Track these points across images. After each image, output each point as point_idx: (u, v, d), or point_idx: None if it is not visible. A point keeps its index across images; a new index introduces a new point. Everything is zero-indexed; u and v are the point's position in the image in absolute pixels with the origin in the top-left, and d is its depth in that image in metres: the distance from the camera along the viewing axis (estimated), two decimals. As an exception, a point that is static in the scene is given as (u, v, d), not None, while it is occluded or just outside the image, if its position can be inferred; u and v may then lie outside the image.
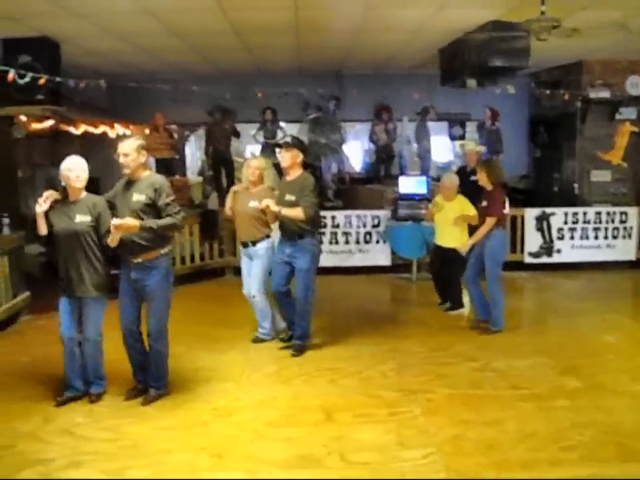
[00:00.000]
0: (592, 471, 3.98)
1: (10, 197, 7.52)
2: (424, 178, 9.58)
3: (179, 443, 4.44)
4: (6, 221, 7.20)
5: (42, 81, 6.24)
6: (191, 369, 5.82)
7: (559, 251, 9.70)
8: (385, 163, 12.03)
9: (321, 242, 6.42)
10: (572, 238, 9.70)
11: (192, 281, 9.18)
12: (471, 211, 7.17)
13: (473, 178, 8.97)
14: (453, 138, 12.55)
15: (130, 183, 4.95)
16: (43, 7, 5.67)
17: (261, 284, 6.41)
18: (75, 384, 5.06)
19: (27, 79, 6.01)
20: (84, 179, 4.88)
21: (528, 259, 9.71)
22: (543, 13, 5.60)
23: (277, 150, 6.62)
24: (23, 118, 7.45)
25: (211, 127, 11.72)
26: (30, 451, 4.32)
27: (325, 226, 9.59)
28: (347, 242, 9.61)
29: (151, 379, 5.14)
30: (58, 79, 6.62)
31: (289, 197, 5.96)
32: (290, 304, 6.32)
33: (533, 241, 9.70)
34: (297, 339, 6.25)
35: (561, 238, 9.69)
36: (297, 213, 5.86)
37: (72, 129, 8.68)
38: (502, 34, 6.51)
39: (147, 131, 11.39)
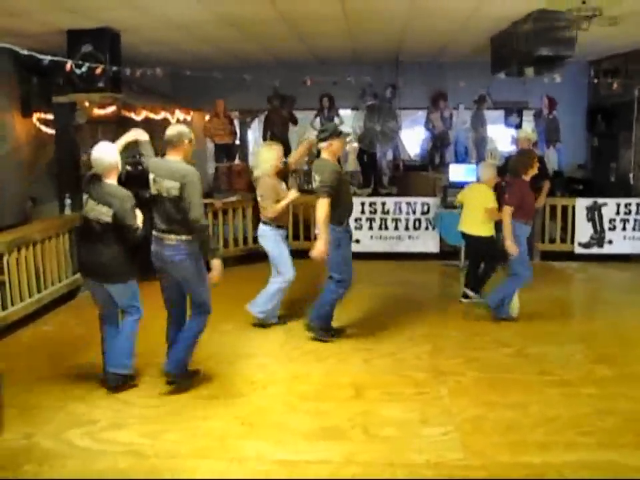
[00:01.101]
0: (607, 456, 4.09)
1: (73, 179, 7.94)
2: (473, 166, 9.64)
3: (214, 411, 4.77)
4: (68, 201, 7.66)
5: (99, 70, 6.66)
6: (236, 345, 6.15)
7: (610, 242, 9.59)
8: (440, 150, 12.08)
9: (346, 231, 6.23)
10: (624, 229, 9.56)
11: (244, 263, 9.51)
12: (490, 202, 7.20)
13: None
14: (509, 126, 12.49)
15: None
16: (101, 1, 6.02)
17: None
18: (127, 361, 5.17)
19: (83, 69, 6.42)
20: (106, 168, 4.85)
21: (578, 250, 9.65)
22: (584, 2, 5.60)
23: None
24: (86, 104, 7.87)
25: (269, 113, 12.00)
26: (79, 412, 4.71)
27: (374, 212, 9.77)
28: (396, 228, 9.75)
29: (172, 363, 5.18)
30: (114, 68, 6.98)
31: (315, 178, 6.05)
32: None
33: (583, 231, 9.63)
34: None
35: (613, 229, 9.58)
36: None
37: (133, 115, 9.09)
38: (547, 23, 6.51)
39: (207, 117, 11.76)
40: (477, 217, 7.31)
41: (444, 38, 8.96)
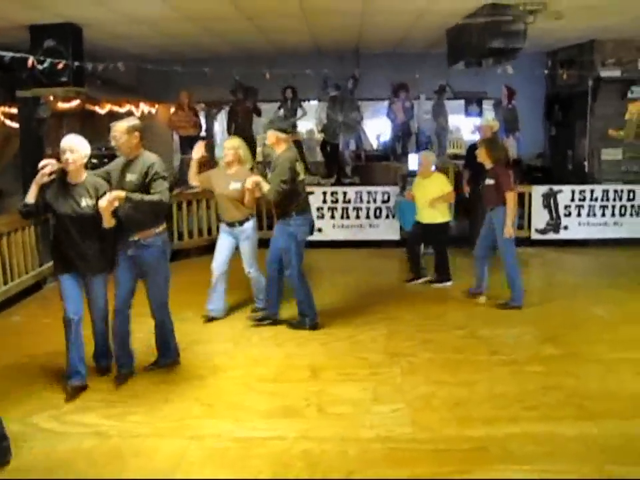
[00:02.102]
0: (547, 428, 4.33)
1: (36, 172, 7.99)
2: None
3: (175, 394, 4.95)
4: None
5: (60, 66, 6.76)
6: (197, 331, 6.32)
7: (566, 228, 9.93)
8: (402, 140, 12.28)
9: (305, 221, 6.30)
10: (579, 215, 9.91)
11: (209, 253, 9.60)
12: (447, 188, 7.53)
13: None
14: (469, 116, 12.75)
15: (126, 163, 5.04)
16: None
17: (254, 261, 6.62)
18: (82, 370, 5.03)
19: (45, 65, 6.52)
20: (78, 159, 4.80)
21: (535, 235, 9.95)
22: (533, -4, 5.82)
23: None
24: (50, 98, 7.94)
25: (233, 105, 12.10)
26: (44, 397, 4.86)
27: (336, 201, 9.98)
28: (357, 217, 9.98)
29: (161, 350, 5.43)
30: (77, 63, 7.08)
31: (270, 174, 6.13)
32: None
33: (540, 217, 9.93)
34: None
35: (568, 215, 9.91)
36: (267, 191, 5.97)
37: (97, 108, 9.18)
38: (497, 16, 6.75)
39: (172, 109, 11.83)
40: (433, 205, 7.59)
41: (400, 32, 9.18)
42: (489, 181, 6.92)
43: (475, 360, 5.56)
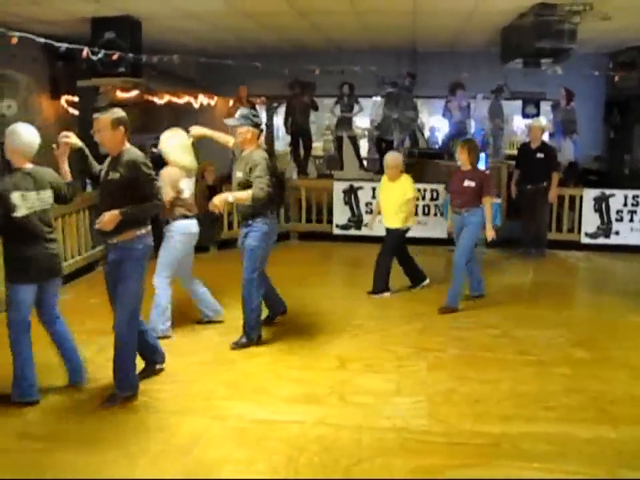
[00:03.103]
0: (563, 429, 4.35)
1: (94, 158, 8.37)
2: (482, 154, 9.85)
3: (204, 375, 5.19)
4: (88, 180, 8.11)
5: (115, 57, 7.09)
6: (233, 317, 6.49)
7: (617, 233, 9.75)
8: (457, 139, 12.24)
9: (277, 221, 6.14)
10: (631, 220, 9.71)
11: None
12: (410, 193, 7.25)
13: (539, 155, 9.26)
14: (526, 117, 12.63)
15: (110, 160, 4.72)
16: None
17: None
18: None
19: (100, 55, 6.84)
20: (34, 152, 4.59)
21: (585, 239, 9.83)
22: (578, -4, 5.80)
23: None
24: (108, 88, 8.30)
25: (290, 100, 12.32)
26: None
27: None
28: (410, 213, 10.00)
29: (115, 377, 4.69)
30: (131, 55, 7.39)
31: (238, 174, 5.65)
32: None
33: (591, 221, 9.79)
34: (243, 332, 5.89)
35: (620, 220, 9.73)
36: (246, 196, 5.49)
37: (156, 99, 9.52)
38: (546, 16, 6.72)
39: (231, 102, 12.13)
40: (394, 209, 7.32)
41: (453, 31, 9.20)
42: (469, 183, 6.81)
43: (502, 358, 5.61)
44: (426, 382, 5.12)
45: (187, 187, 6.03)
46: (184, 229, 5.97)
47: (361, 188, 10.32)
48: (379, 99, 12.50)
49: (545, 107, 12.47)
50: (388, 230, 7.51)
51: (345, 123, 12.36)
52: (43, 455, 3.97)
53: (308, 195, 10.47)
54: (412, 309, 6.94)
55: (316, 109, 12.43)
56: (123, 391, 4.67)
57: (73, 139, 4.72)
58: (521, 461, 3.95)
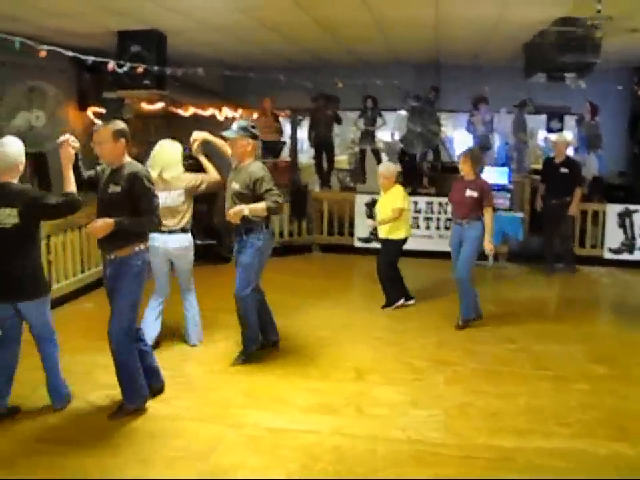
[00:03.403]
0: (579, 446, 4.34)
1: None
2: (505, 169, 9.89)
3: (222, 384, 5.28)
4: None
5: (140, 70, 7.24)
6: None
7: (640, 249, 9.68)
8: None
9: (272, 234, 5.92)
10: (656, 236, 9.64)
11: (280, 255, 10.00)
12: (397, 203, 7.24)
13: (563, 170, 9.25)
14: (551, 131, 12.57)
15: (110, 173, 4.60)
16: (147, 5, 6.55)
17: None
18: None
19: (125, 69, 6.99)
20: (9, 165, 4.40)
21: (608, 255, 9.76)
22: (599, 11, 5.79)
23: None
24: (133, 100, 8.47)
25: (314, 113, 12.39)
26: (102, 379, 5.20)
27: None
28: (427, 227, 10.06)
29: (122, 391, 4.69)
30: (156, 67, 7.53)
31: (234, 186, 5.48)
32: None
33: (614, 237, 9.73)
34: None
35: (644, 236, 9.66)
36: (262, 208, 5.31)
37: (181, 111, 9.67)
38: (569, 30, 6.72)
39: (255, 115, 12.26)
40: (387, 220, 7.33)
41: (476, 45, 9.22)
42: (471, 193, 6.67)
43: (519, 373, 5.61)
44: (442, 395, 5.14)
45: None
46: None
47: (382, 201, 10.34)
48: (402, 112, 12.53)
49: (570, 121, 12.39)
50: (383, 241, 7.51)
51: (368, 136, 12.40)
52: (61, 459, 4.05)
53: (330, 208, 10.56)
54: (431, 322, 6.96)
55: (339, 122, 12.48)
56: (131, 403, 4.66)
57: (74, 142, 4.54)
58: (534, 476, 3.96)
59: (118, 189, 4.46)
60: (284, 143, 13.20)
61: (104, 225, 4.34)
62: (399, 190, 7.43)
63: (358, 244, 10.43)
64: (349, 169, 14.37)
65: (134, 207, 4.45)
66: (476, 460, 4.14)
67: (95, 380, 5.23)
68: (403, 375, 5.54)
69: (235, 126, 5.54)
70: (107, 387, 5.02)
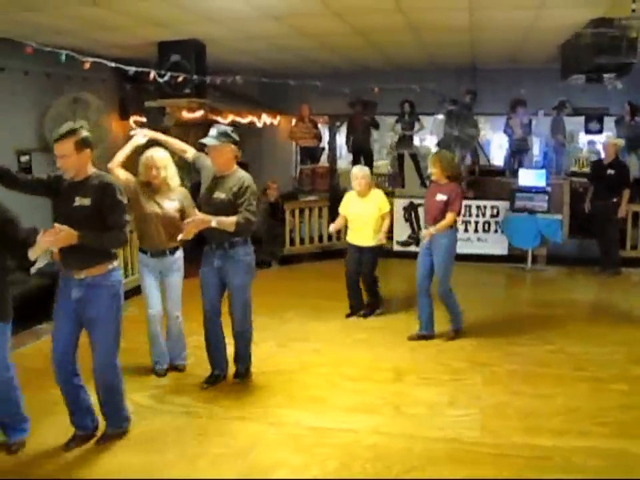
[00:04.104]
0: (617, 445, 4.36)
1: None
2: (543, 171, 9.88)
3: (263, 384, 5.42)
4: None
5: (180, 79, 7.44)
6: (295, 330, 6.76)
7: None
8: (518, 155, 12.20)
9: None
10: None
11: (320, 259, 10.18)
12: (385, 207, 7.05)
13: (609, 171, 9.25)
14: (589, 133, 12.49)
15: (73, 185, 4.11)
16: (186, 16, 6.74)
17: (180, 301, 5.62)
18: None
19: (166, 78, 7.20)
20: None
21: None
22: (633, 10, 5.79)
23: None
24: (174, 108, 8.70)
25: (351, 118, 12.50)
26: (149, 379, 5.44)
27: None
28: (465, 230, 10.07)
29: (106, 417, 4.40)
30: (195, 76, 7.73)
31: (220, 196, 4.96)
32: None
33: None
34: (241, 370, 5.48)
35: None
36: (230, 223, 4.82)
37: (220, 119, 9.87)
38: (604, 31, 6.72)
39: (293, 121, 12.43)
40: (372, 226, 7.06)
41: (512, 48, 9.22)
42: (441, 197, 6.33)
43: (557, 374, 5.61)
44: (480, 396, 5.18)
45: None
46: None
47: (421, 205, 10.36)
48: (440, 116, 12.57)
49: (609, 122, 12.28)
50: (364, 249, 7.12)
51: (405, 140, 12.45)
52: (107, 455, 4.22)
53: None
54: (468, 324, 6.96)
55: (377, 127, 12.57)
56: (117, 428, 4.43)
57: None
58: (571, 475, 3.98)
59: (86, 201, 4.01)
60: (322, 148, 13.36)
61: (68, 235, 3.84)
62: (380, 193, 7.19)
63: (396, 247, 10.48)
64: (387, 174, 14.47)
65: (102, 220, 4.03)
66: (512, 458, 4.18)
67: (142, 380, 5.40)
68: (440, 375, 5.60)
69: (214, 132, 4.98)
70: (153, 387, 5.24)
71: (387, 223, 7.13)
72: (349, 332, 6.76)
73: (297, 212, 10.39)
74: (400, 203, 10.55)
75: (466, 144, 11.96)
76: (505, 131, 12.30)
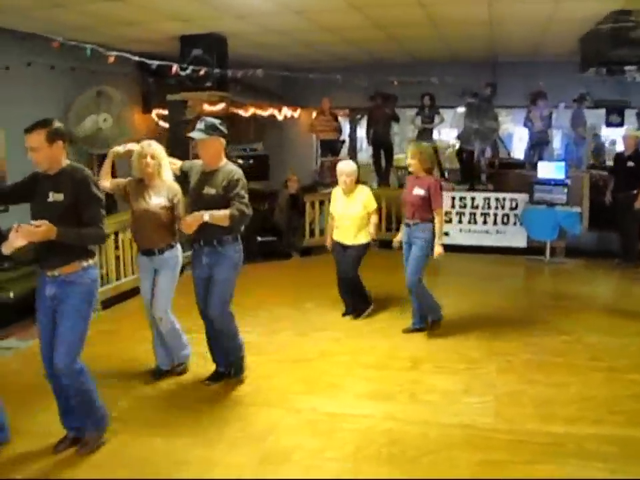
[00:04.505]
0: (631, 433, 4.40)
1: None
2: (562, 163, 9.88)
3: (281, 372, 5.49)
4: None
5: (202, 72, 7.57)
6: (314, 320, 6.86)
7: None
8: (538, 148, 12.19)
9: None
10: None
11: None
12: (372, 205, 6.83)
13: (630, 164, 9.26)
14: (610, 125, 12.46)
15: (47, 179, 3.93)
16: (208, 10, 6.86)
17: (169, 302, 5.27)
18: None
19: (188, 71, 7.33)
20: None
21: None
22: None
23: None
24: (193, 101, 8.84)
25: (372, 111, 12.56)
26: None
27: (464, 206, 10.19)
28: (485, 222, 10.12)
29: (84, 423, 4.15)
30: (217, 70, 7.85)
31: (210, 191, 4.82)
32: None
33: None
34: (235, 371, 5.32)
35: None
36: (224, 216, 4.72)
37: (241, 112, 10.00)
38: (622, 24, 6.74)
39: (314, 114, 12.52)
40: (358, 224, 6.85)
41: (531, 41, 9.26)
42: (419, 191, 6.22)
43: (573, 364, 5.66)
44: (495, 384, 5.25)
45: None
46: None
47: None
48: (460, 109, 12.59)
49: (630, 115, 12.24)
50: (349, 247, 6.88)
51: (426, 133, 12.48)
52: (130, 438, 4.34)
53: (388, 205, 10.68)
54: (485, 314, 7.05)
55: (397, 120, 12.62)
56: (97, 429, 4.20)
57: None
58: (584, 460, 4.04)
59: (60, 196, 3.83)
60: (343, 141, 13.43)
61: (48, 230, 3.66)
62: (366, 190, 6.94)
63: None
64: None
65: (78, 216, 3.86)
66: (526, 444, 4.25)
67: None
68: (456, 364, 5.66)
69: (201, 125, 4.80)
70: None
71: (374, 221, 6.86)
72: (368, 322, 6.85)
73: (317, 204, 10.47)
74: (419, 195, 10.57)
75: (486, 137, 11.97)
76: (524, 124, 12.30)
